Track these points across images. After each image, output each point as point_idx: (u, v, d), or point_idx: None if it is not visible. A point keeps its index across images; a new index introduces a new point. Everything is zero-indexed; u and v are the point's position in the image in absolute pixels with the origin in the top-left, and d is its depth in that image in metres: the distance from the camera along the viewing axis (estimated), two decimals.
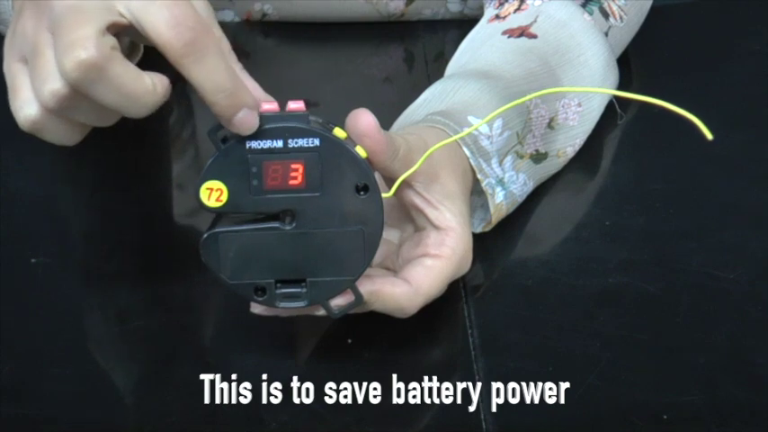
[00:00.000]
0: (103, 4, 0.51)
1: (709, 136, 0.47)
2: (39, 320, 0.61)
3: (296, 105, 0.54)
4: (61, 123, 0.54)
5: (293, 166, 0.53)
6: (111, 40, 0.51)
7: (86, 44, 0.50)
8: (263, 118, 0.53)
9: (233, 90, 0.51)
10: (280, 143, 0.53)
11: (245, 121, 0.52)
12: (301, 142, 0.53)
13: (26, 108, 0.53)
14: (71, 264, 0.66)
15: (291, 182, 0.53)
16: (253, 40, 0.87)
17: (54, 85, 0.51)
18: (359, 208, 0.54)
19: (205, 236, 0.55)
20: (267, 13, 0.88)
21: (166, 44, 0.50)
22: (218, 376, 0.58)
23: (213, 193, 0.53)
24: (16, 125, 0.54)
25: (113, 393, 0.58)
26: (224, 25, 0.87)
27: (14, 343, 0.59)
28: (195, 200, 0.53)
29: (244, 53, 0.86)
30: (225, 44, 0.56)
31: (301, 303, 0.55)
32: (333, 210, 0.54)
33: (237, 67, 0.55)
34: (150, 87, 0.51)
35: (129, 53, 0.62)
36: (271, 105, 0.54)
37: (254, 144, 0.53)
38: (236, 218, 0.55)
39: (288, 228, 0.54)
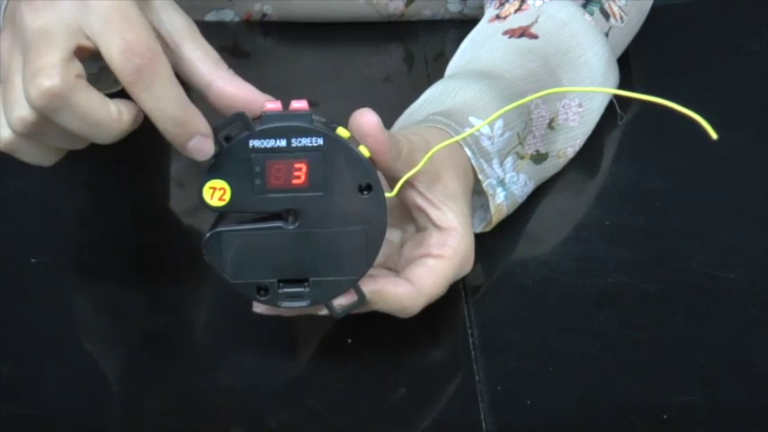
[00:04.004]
0: (70, 28, 0.51)
1: (714, 136, 0.47)
2: (39, 320, 0.61)
3: (299, 105, 0.54)
4: (34, 146, 0.55)
5: (296, 165, 0.53)
6: (77, 68, 0.51)
7: (50, 72, 0.50)
8: (267, 117, 0.53)
9: (183, 118, 0.51)
10: (283, 142, 0.53)
11: (198, 149, 0.52)
12: (305, 141, 0.53)
13: (0, 130, 0.54)
14: (71, 264, 0.66)
15: (295, 181, 0.53)
16: (253, 40, 0.87)
17: (21, 111, 0.52)
18: (362, 207, 0.54)
19: (208, 235, 0.54)
20: (267, 14, 0.88)
21: (116, 69, 0.51)
22: (217, 376, 0.58)
23: (216, 193, 0.53)
24: None
25: (113, 393, 0.58)
26: (224, 25, 0.88)
27: (14, 343, 0.59)
28: (198, 199, 0.53)
29: (244, 53, 0.86)
30: (216, 54, 0.55)
31: (304, 303, 0.55)
32: (336, 209, 0.54)
33: (228, 73, 0.55)
34: (115, 115, 0.52)
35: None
36: (274, 105, 0.54)
37: (258, 143, 0.53)
38: (238, 217, 0.55)
39: (291, 227, 0.54)
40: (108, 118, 0.52)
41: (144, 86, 0.51)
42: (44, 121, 0.52)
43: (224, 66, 0.55)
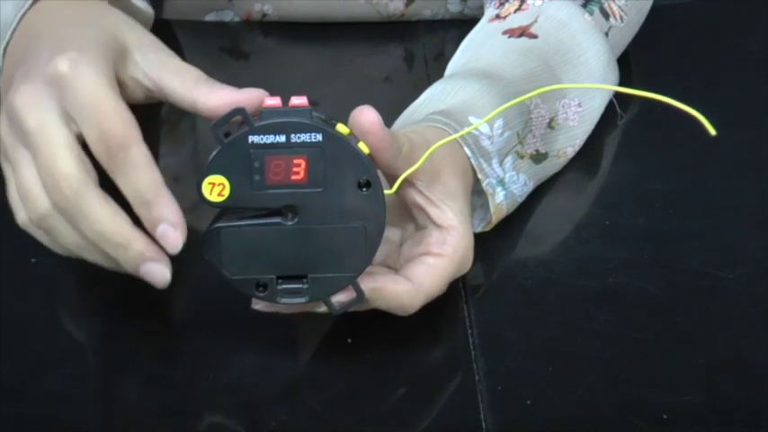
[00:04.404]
0: (62, 120, 0.54)
1: (713, 132, 0.47)
2: (39, 320, 0.61)
3: (299, 101, 0.54)
4: (46, 235, 0.57)
5: (296, 161, 0.53)
6: (93, 174, 0.54)
7: (71, 182, 0.53)
8: (266, 113, 0.53)
9: (151, 203, 0.54)
10: (282, 138, 0.53)
11: (164, 237, 0.54)
12: (304, 137, 0.53)
13: (18, 212, 0.57)
14: (71, 264, 0.66)
15: (294, 177, 0.53)
16: (253, 40, 0.87)
17: (40, 209, 0.55)
18: (361, 204, 0.54)
19: (207, 231, 0.55)
20: (267, 14, 0.88)
21: (94, 154, 0.54)
22: (218, 376, 0.58)
23: (215, 188, 0.53)
24: None
25: (113, 393, 0.58)
26: (224, 25, 0.88)
27: (14, 343, 0.59)
28: (197, 194, 0.53)
29: (244, 53, 0.86)
30: (193, 73, 0.57)
31: (302, 299, 0.55)
32: (335, 206, 0.54)
33: (206, 87, 0.56)
34: (126, 232, 0.54)
35: None
36: (274, 101, 0.54)
37: (257, 139, 0.53)
38: (238, 213, 0.55)
39: (290, 223, 0.54)
40: (115, 230, 0.54)
41: (117, 170, 0.54)
42: (59, 220, 0.55)
43: (202, 79, 0.57)
